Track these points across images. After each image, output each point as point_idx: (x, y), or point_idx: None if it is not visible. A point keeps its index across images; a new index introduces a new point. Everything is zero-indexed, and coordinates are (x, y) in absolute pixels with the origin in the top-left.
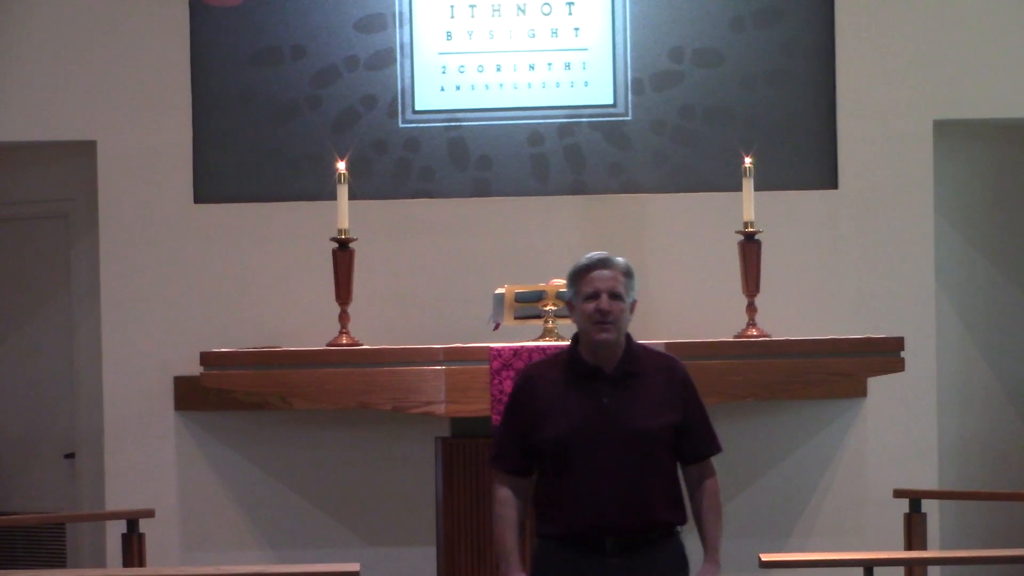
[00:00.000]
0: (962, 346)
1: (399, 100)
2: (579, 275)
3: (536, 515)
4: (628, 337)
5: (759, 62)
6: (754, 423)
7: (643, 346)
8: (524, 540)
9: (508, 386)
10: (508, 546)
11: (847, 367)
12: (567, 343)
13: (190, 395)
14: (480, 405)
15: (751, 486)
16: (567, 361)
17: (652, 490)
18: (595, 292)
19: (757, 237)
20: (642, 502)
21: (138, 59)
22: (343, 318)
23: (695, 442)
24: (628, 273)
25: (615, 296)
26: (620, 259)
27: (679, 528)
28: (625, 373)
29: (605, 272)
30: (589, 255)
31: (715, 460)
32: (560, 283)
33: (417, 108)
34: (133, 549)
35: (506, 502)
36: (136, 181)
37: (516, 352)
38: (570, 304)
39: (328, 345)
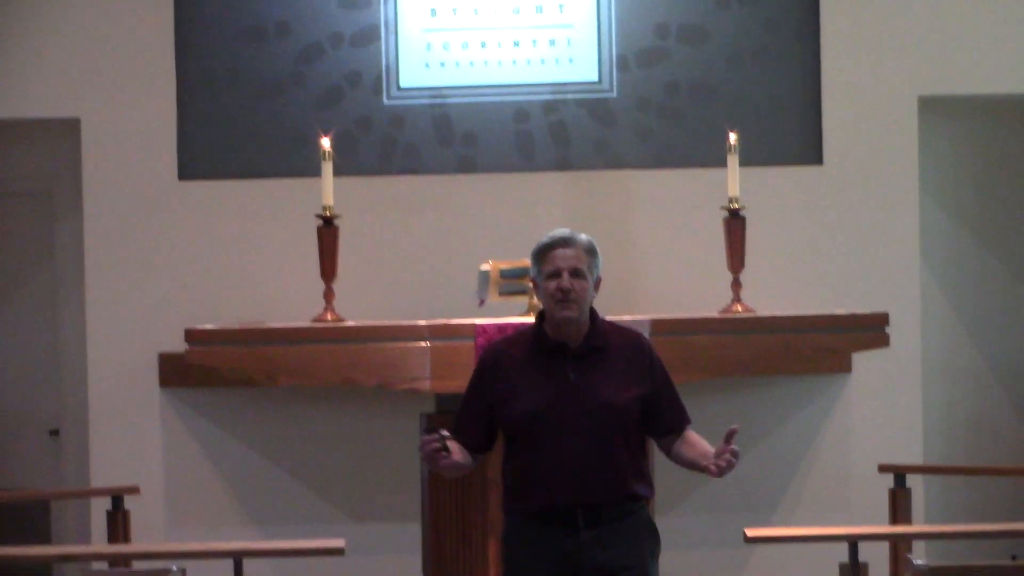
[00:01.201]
0: (947, 321)
1: (384, 77)
2: (541, 253)
3: (505, 492)
4: (594, 313)
5: (744, 39)
6: (739, 399)
7: (609, 322)
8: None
9: None
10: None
11: (832, 343)
12: None
13: (175, 372)
14: (465, 381)
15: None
16: (532, 338)
17: (620, 463)
18: (556, 271)
19: (742, 213)
20: (611, 475)
21: (122, 36)
22: (328, 295)
23: (665, 416)
24: (591, 251)
25: (577, 274)
26: (583, 236)
27: (648, 500)
28: (590, 349)
29: (568, 251)
30: (552, 233)
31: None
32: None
33: (402, 85)
34: (118, 526)
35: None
36: (120, 158)
37: (501, 328)
38: (534, 282)
39: (313, 322)
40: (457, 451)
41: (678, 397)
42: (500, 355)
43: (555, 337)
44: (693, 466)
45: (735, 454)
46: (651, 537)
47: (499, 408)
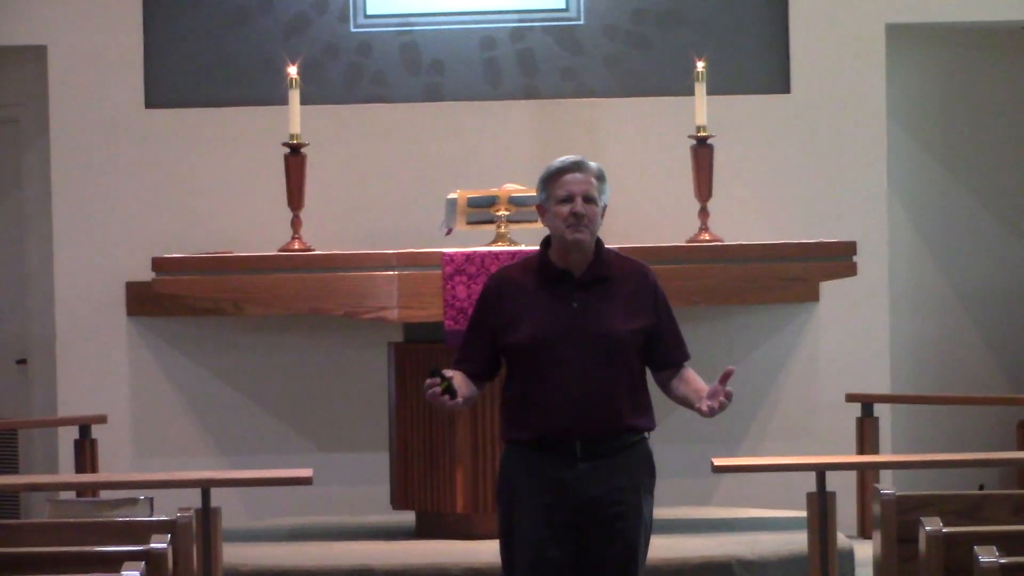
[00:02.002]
0: (914, 250)
1: (350, 4)
2: (552, 178)
3: (504, 420)
4: (598, 242)
5: None
6: (707, 328)
7: (614, 252)
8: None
9: (461, 291)
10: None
11: (799, 271)
12: (519, 248)
13: (142, 301)
14: (433, 310)
15: None
16: (537, 265)
17: (621, 395)
18: (569, 195)
19: (709, 142)
20: (611, 407)
21: None
22: (295, 223)
23: (666, 349)
24: (601, 177)
25: (589, 199)
26: (593, 163)
27: (647, 434)
28: (595, 277)
29: (579, 175)
30: (562, 158)
31: None
32: (512, 188)
33: (369, 12)
34: (85, 455)
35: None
36: (87, 86)
37: (468, 257)
38: (541, 208)
39: (280, 250)
40: (462, 383)
41: (679, 331)
42: (505, 281)
43: (560, 265)
44: (685, 402)
45: (728, 396)
46: (647, 472)
47: (502, 334)
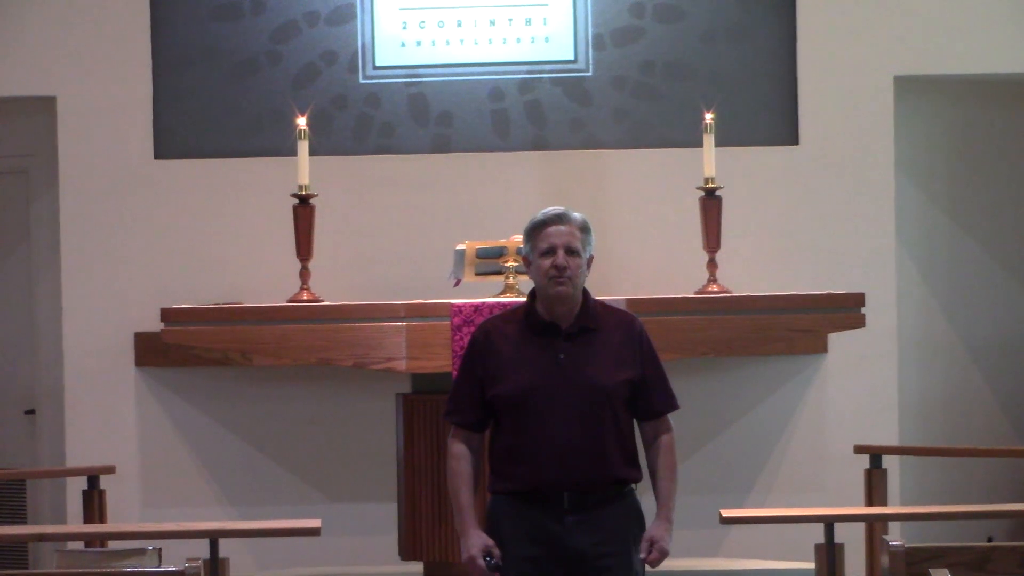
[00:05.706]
0: (923, 302)
1: (359, 56)
2: (535, 230)
3: (491, 472)
4: (585, 293)
5: (720, 17)
6: (715, 379)
7: (600, 302)
8: (478, 495)
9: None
10: (463, 503)
11: (808, 323)
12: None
13: (151, 351)
14: (441, 361)
15: (712, 442)
16: (524, 316)
17: (608, 446)
18: (551, 248)
19: (718, 193)
20: (598, 458)
21: (98, 14)
22: (304, 274)
23: (652, 399)
24: (585, 228)
25: (571, 252)
26: (577, 214)
27: (634, 485)
28: (582, 329)
29: (561, 227)
30: (545, 210)
31: (675, 416)
32: (521, 239)
33: (377, 64)
34: (94, 505)
35: (460, 456)
36: (96, 137)
37: (477, 308)
38: (526, 260)
39: (289, 301)
40: (472, 492)
41: (667, 381)
42: (492, 332)
43: (546, 316)
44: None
45: (662, 552)
46: (637, 523)
47: (489, 385)
